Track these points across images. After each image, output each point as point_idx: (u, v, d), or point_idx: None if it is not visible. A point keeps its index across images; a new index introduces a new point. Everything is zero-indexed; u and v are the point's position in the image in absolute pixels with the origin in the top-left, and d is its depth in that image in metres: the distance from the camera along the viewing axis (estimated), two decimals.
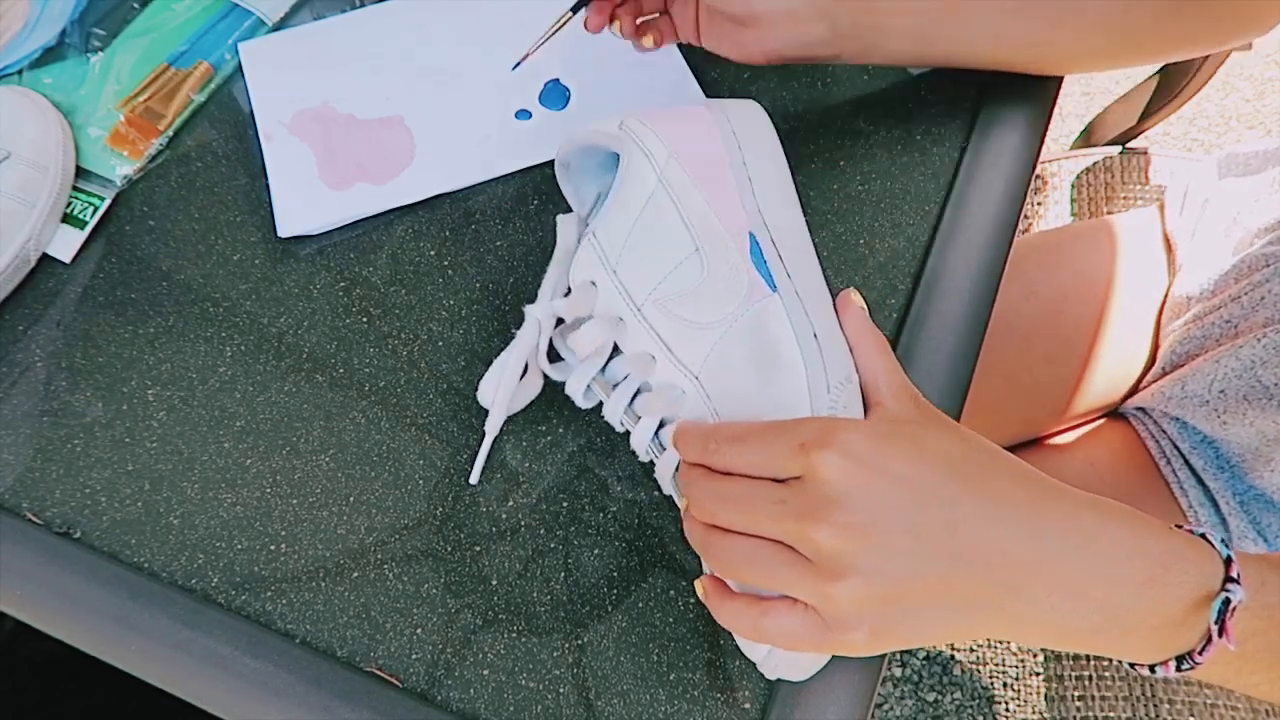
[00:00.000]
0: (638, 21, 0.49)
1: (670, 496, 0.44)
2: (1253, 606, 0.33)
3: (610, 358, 0.41)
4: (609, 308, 0.39)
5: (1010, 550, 0.31)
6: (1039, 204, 0.84)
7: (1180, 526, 0.34)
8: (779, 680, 0.40)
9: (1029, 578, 0.31)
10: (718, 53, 0.49)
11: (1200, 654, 0.33)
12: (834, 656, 0.39)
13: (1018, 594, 0.31)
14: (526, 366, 0.42)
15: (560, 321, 0.42)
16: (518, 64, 0.48)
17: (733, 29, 0.47)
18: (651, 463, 0.40)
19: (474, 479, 0.44)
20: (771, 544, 0.32)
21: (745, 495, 0.32)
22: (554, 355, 0.43)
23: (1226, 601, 0.32)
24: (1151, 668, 0.34)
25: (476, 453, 0.44)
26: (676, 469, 0.39)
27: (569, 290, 0.41)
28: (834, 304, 0.39)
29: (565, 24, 0.48)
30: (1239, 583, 0.32)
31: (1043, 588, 0.31)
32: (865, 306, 0.38)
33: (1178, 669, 0.33)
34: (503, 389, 0.41)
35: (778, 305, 0.38)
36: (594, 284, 0.39)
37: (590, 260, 0.39)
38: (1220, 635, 0.32)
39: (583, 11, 0.48)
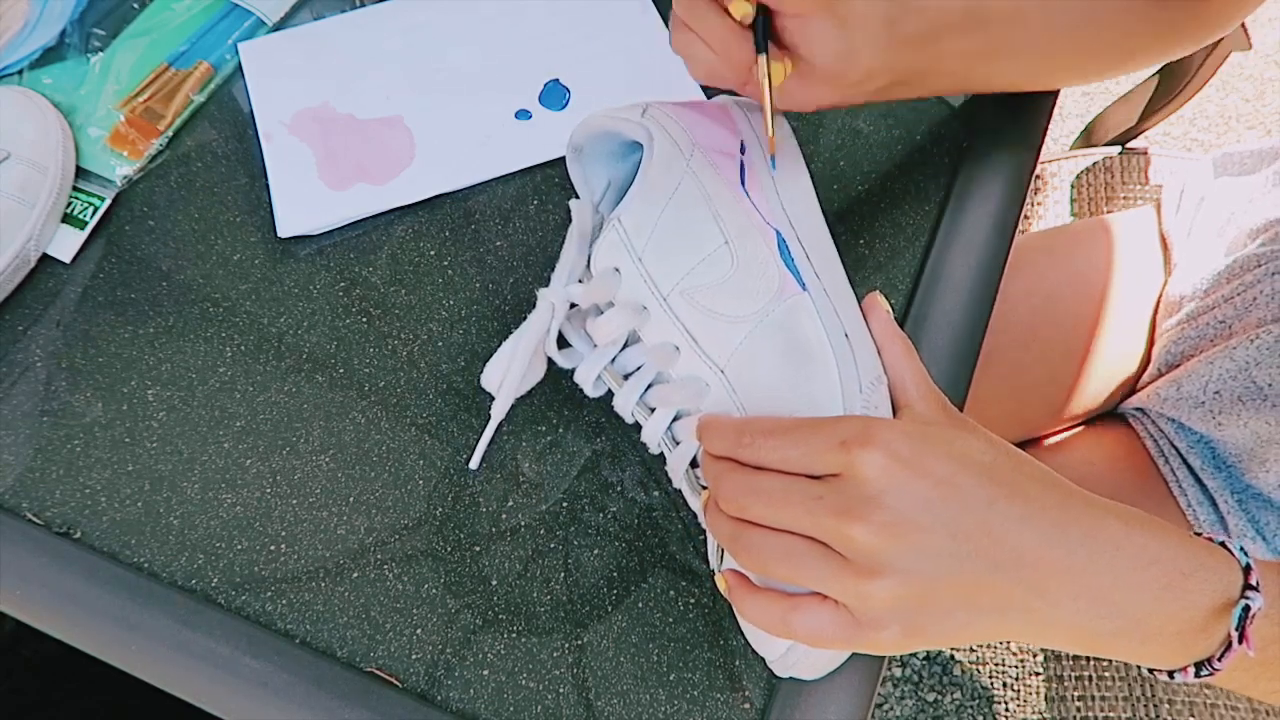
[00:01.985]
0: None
1: (673, 494, 0.44)
2: (1271, 614, 0.33)
3: (623, 348, 0.40)
4: (632, 296, 0.38)
5: (1041, 554, 0.31)
6: (1039, 204, 0.83)
7: (1199, 534, 0.34)
8: (779, 681, 0.40)
9: (1057, 581, 0.32)
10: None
11: (1220, 660, 0.33)
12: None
13: (1045, 597, 0.32)
14: None
15: (572, 307, 0.41)
16: (773, 159, 0.39)
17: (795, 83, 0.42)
18: (662, 456, 0.39)
19: (474, 464, 0.43)
20: (805, 540, 0.32)
21: (780, 490, 0.32)
22: (560, 341, 0.43)
23: (1246, 608, 0.32)
24: (1171, 673, 0.35)
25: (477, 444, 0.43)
26: (690, 463, 0.38)
27: (582, 276, 0.40)
28: (859, 306, 0.39)
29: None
30: (1258, 590, 0.32)
31: (1069, 592, 0.32)
32: (890, 310, 0.39)
33: (1197, 675, 0.34)
34: (513, 371, 0.41)
35: (809, 303, 0.37)
36: (618, 270, 0.38)
37: (614, 247, 0.38)
38: (1240, 642, 0.32)
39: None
